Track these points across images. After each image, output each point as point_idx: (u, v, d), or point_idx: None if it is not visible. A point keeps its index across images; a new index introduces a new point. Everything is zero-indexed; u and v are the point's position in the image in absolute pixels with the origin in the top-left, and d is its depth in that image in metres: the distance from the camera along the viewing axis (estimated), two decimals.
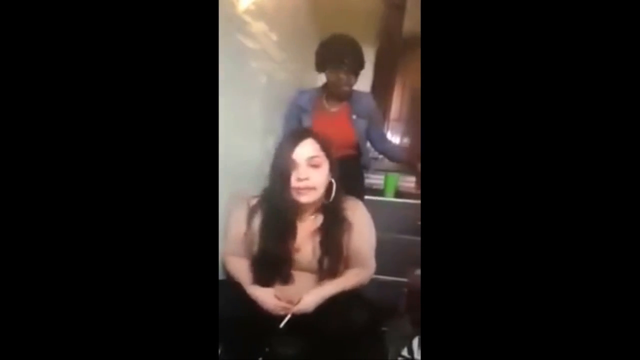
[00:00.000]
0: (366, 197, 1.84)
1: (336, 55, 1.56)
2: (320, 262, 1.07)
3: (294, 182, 1.05)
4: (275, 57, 1.54)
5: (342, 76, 1.58)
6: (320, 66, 1.63)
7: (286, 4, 1.60)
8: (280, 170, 1.06)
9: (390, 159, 1.90)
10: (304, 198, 1.06)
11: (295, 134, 1.12)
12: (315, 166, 1.06)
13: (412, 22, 2.36)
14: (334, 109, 1.70)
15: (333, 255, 1.07)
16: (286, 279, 1.08)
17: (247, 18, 1.24)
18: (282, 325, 1.01)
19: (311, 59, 1.64)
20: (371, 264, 1.12)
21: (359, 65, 1.61)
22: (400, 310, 1.44)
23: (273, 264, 1.07)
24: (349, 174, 1.38)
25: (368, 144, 1.82)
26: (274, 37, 1.46)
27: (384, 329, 1.25)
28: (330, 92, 1.67)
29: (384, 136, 1.86)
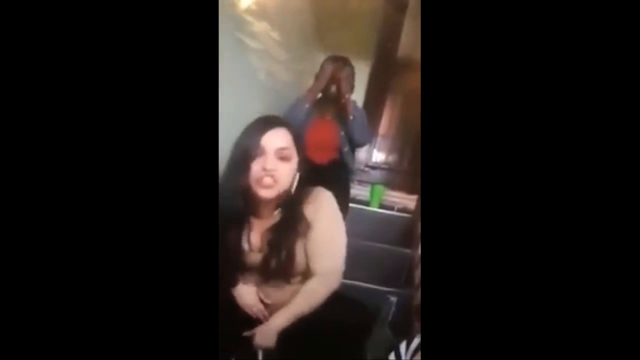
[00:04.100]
0: (351, 205, 1.86)
1: (331, 69, 1.70)
2: (266, 261, 0.95)
3: (257, 171, 0.92)
4: (278, 57, 1.56)
5: (333, 87, 1.73)
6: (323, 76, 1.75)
7: (288, 3, 1.63)
8: (243, 155, 0.93)
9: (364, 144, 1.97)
10: (266, 192, 0.93)
11: (267, 120, 0.98)
12: (284, 159, 0.94)
13: (407, 44, 2.45)
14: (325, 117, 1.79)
15: (282, 256, 0.94)
16: (234, 279, 0.98)
17: (249, 17, 1.26)
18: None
19: (313, 58, 1.69)
20: (334, 274, 0.96)
21: (350, 86, 1.76)
22: (382, 318, 1.43)
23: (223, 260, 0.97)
24: (334, 181, 1.39)
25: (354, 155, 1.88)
26: (276, 36, 1.47)
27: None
28: (324, 102, 1.78)
29: (365, 128, 1.87)
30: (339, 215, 1.00)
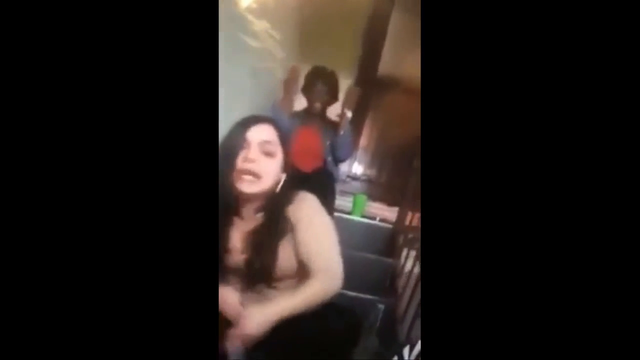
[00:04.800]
0: (334, 214, 1.87)
1: (315, 85, 1.76)
2: (249, 264, 0.92)
3: (240, 163, 0.91)
4: (278, 56, 1.56)
5: (317, 105, 1.79)
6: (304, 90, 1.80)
7: (289, 2, 1.65)
8: (228, 150, 0.91)
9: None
10: (246, 186, 0.90)
11: (253, 117, 0.98)
12: (268, 154, 0.93)
13: (387, 62, 2.52)
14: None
15: (265, 257, 0.92)
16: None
17: (249, 16, 1.26)
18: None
19: (315, 58, 1.72)
20: (334, 271, 0.92)
21: (333, 96, 1.82)
22: (370, 326, 1.41)
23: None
24: (318, 188, 1.41)
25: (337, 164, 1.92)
26: (276, 35, 1.48)
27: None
28: (308, 115, 1.82)
29: (349, 144, 1.90)
30: (327, 216, 0.98)
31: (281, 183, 0.95)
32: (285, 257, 0.93)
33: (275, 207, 0.94)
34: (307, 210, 0.95)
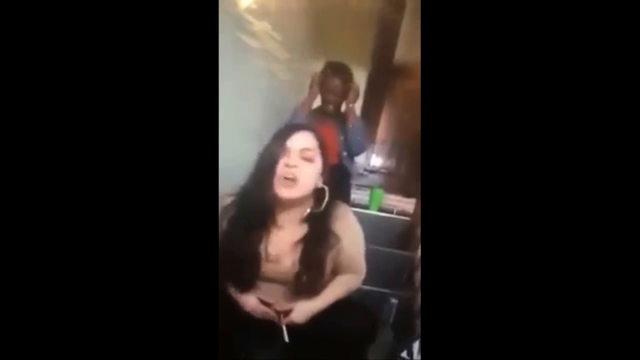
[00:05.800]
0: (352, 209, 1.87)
1: (328, 83, 1.73)
2: (298, 277, 0.98)
3: (281, 169, 0.96)
4: (278, 56, 1.57)
5: (330, 107, 1.77)
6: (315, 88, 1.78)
7: (289, 3, 1.65)
8: (270, 155, 0.97)
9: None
10: (286, 192, 0.96)
11: (293, 125, 1.05)
12: (308, 159, 0.98)
13: (404, 49, 2.47)
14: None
15: (314, 271, 0.98)
16: (248, 287, 1.00)
17: (249, 17, 1.27)
18: (286, 339, 0.96)
19: (314, 58, 1.71)
20: (362, 269, 1.07)
21: (352, 93, 1.79)
22: (384, 320, 1.42)
23: (236, 267, 0.98)
24: (334, 185, 1.42)
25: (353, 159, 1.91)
26: (277, 36, 1.49)
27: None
28: (323, 111, 1.80)
29: (361, 138, 1.89)
30: (359, 226, 1.07)
31: (326, 198, 1.00)
32: (329, 267, 1.00)
33: (322, 220, 1.00)
34: (350, 224, 1.04)
